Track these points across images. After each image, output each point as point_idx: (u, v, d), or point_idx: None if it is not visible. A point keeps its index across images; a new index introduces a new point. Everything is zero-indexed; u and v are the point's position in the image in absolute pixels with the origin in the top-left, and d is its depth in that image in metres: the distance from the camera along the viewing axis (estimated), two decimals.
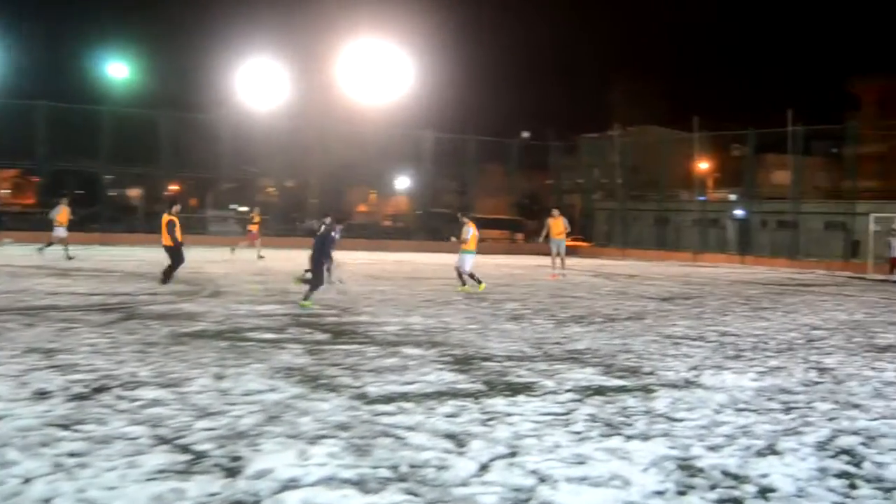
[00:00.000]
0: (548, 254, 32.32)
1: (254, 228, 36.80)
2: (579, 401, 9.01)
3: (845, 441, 7.70)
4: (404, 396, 8.95)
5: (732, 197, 60.32)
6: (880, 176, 66.24)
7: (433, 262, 38.41)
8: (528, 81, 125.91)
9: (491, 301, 20.18)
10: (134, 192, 64.41)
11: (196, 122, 53.07)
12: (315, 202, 56.97)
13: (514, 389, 9.51)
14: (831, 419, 8.57)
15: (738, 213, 54.05)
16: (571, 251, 55.54)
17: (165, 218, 21.63)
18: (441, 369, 10.63)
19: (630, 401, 9.10)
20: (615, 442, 7.41)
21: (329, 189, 60.01)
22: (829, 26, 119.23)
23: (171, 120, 50.82)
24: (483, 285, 22.68)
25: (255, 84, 58.24)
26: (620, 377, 10.50)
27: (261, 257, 34.87)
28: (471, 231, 22.94)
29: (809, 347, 13.87)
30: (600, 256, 51.33)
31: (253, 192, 60.19)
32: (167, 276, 21.52)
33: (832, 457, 7.20)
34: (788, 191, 51.35)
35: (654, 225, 57.71)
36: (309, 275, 18.02)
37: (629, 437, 7.56)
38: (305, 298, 17.57)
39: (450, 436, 7.44)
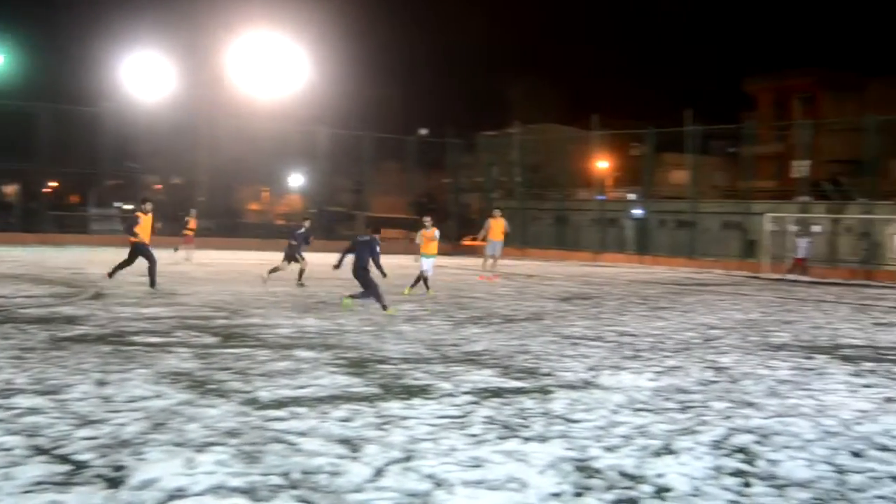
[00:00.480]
0: (444, 254, 32.47)
1: (190, 233, 36.36)
2: (476, 403, 9.08)
3: (740, 439, 7.94)
4: (297, 401, 8.89)
5: (631, 196, 61.44)
6: (776, 176, 68.45)
7: (328, 262, 38.17)
8: (426, 77, 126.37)
9: (387, 303, 20.15)
10: (9, 189, 62.41)
11: (77, 115, 51.62)
12: (203, 200, 56.07)
13: (410, 392, 9.53)
14: (727, 418, 8.82)
15: (637, 212, 55.10)
16: (469, 251, 55.89)
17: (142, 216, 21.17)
18: (335, 372, 10.59)
19: (528, 402, 9.21)
20: (512, 444, 7.49)
21: (219, 187, 59.12)
22: (728, 26, 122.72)
23: (51, 112, 49.32)
24: (408, 290, 22.75)
25: (141, 76, 57.03)
26: (518, 379, 10.62)
27: (187, 260, 34.37)
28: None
29: (706, 347, 14.25)
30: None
31: (138, 189, 58.88)
32: (152, 276, 20.92)
33: (727, 455, 7.42)
34: (686, 190, 52.60)
35: (554, 224, 58.44)
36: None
37: (526, 440, 7.66)
38: (384, 308, 17.61)
39: (344, 441, 7.43)
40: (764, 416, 8.99)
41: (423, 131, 64.86)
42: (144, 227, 20.98)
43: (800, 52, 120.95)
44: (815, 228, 41.08)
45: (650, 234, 52.64)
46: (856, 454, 7.59)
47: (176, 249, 36.98)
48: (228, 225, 56.34)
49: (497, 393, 9.67)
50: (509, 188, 63.02)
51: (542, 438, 7.72)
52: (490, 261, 30.81)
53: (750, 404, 9.55)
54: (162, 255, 27.03)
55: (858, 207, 43.98)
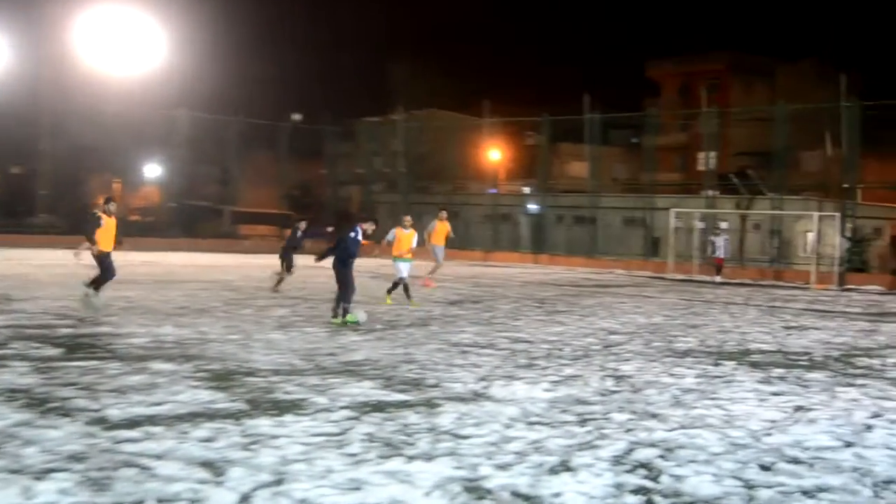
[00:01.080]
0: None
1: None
2: (356, 419, 9.03)
3: (643, 454, 8.07)
4: (152, 420, 8.71)
5: (526, 190, 62.16)
6: (681, 168, 70.17)
7: (189, 262, 37.62)
8: (300, 57, 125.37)
9: (256, 308, 19.96)
10: None
11: None
12: (46, 193, 54.59)
13: (281, 408, 9.43)
14: (628, 431, 8.96)
15: (532, 207, 55.77)
16: None
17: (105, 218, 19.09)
18: (196, 387, 10.41)
19: (412, 417, 9.20)
20: (395, 464, 7.47)
21: (64, 178, 57.57)
22: (632, 5, 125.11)
23: None
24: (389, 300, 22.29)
25: None
26: (402, 391, 10.61)
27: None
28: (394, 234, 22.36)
29: (606, 354, 14.48)
30: (381, 256, 51.65)
31: None
32: (97, 284, 19.03)
33: (629, 471, 7.52)
34: (586, 184, 53.44)
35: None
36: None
37: (411, 458, 7.64)
38: (344, 314, 17.22)
39: (205, 463, 7.30)
40: (668, 428, 9.16)
41: (298, 117, 64.37)
42: (107, 231, 19.04)
43: (707, 35, 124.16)
44: (723, 225, 42.21)
45: (546, 231, 53.31)
46: (765, 468, 7.78)
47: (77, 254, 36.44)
48: (75, 220, 54.90)
49: (378, 407, 9.63)
50: (393, 180, 63.06)
51: (428, 457, 7.71)
52: (432, 265, 29.94)
53: (653, 415, 9.73)
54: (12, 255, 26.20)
55: (768, 203, 45.35)
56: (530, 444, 8.25)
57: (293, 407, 9.51)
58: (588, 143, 51.68)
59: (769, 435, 8.96)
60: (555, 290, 29.73)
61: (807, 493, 7.10)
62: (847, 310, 25.65)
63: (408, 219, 22.48)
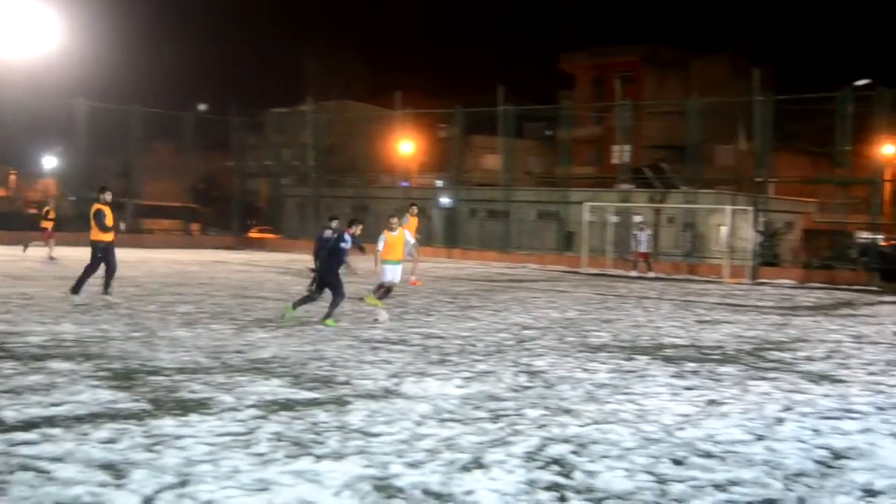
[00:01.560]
0: (227, 248, 32.03)
1: (48, 225, 35.48)
2: (263, 418, 8.99)
3: (556, 450, 8.16)
4: (50, 421, 8.57)
5: (439, 183, 62.22)
6: (595, 162, 70.96)
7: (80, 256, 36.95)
8: (205, 44, 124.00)
9: (160, 304, 19.73)
10: None
11: None
12: None
13: (186, 407, 9.35)
14: (541, 427, 9.06)
15: (445, 201, 55.86)
16: (258, 245, 55.34)
17: (94, 207, 19.35)
18: (97, 386, 10.27)
19: (322, 415, 9.19)
20: (304, 463, 7.46)
21: None
22: None
23: None
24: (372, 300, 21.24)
25: None
26: (311, 389, 10.59)
27: (52, 259, 32.79)
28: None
29: (520, 349, 14.60)
30: (291, 250, 51.40)
31: None
32: (79, 284, 19.14)
33: (542, 468, 7.61)
34: (499, 177, 53.66)
35: (353, 214, 58.54)
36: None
37: (320, 457, 7.63)
38: (327, 317, 17.13)
39: (107, 466, 7.21)
40: (581, 423, 9.28)
41: (203, 107, 63.52)
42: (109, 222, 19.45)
43: (622, 28, 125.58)
44: (637, 219, 42.75)
45: (460, 225, 53.45)
46: (677, 462, 7.93)
47: (25, 248, 37.02)
48: None
49: (287, 406, 9.60)
50: (302, 173, 62.69)
51: (338, 455, 7.71)
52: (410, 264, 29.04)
53: (566, 411, 9.84)
54: None
55: (681, 196, 46.06)
56: (442, 442, 8.30)
57: (198, 406, 9.44)
58: (502, 135, 51.84)
59: (682, 429, 9.13)
60: (468, 284, 29.86)
61: (719, 486, 7.26)
62: (759, 304, 26.19)
63: (394, 220, 20.75)
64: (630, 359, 13.90)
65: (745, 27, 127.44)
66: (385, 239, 20.10)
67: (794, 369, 13.39)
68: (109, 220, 19.38)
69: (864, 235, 43.87)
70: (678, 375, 12.46)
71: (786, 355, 14.92)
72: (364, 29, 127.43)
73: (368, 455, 7.76)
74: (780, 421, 9.68)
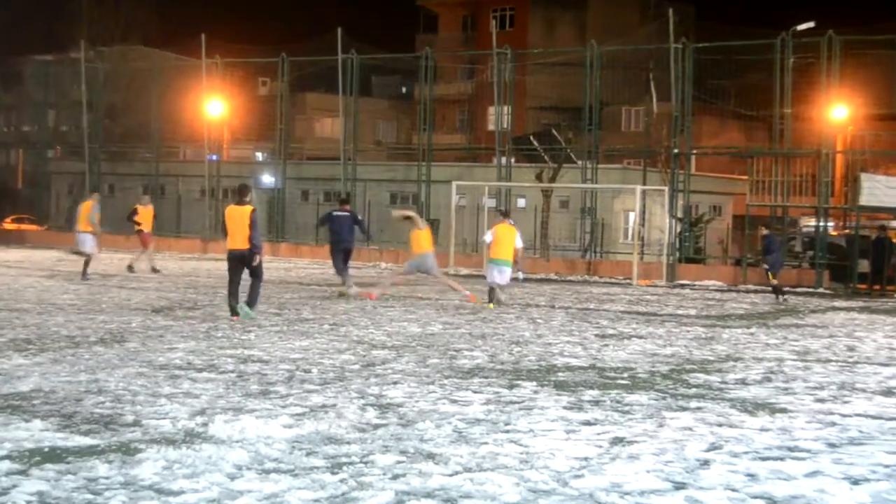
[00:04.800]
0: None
1: (146, 228, 35.86)
2: (21, 474, 8.79)
3: None
4: None
5: (259, 156, 61.83)
6: (466, 128, 71.41)
7: None
8: None
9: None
10: None
11: None
12: None
13: None
14: (396, 477, 9.04)
15: (268, 180, 55.56)
16: (15, 238, 54.07)
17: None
18: None
19: (102, 468, 9.02)
20: None
21: None
22: None
23: None
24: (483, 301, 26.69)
25: None
26: (87, 433, 10.40)
27: (156, 271, 34.20)
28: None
29: (368, 375, 14.56)
30: (58, 246, 50.48)
31: None
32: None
33: None
34: (339, 148, 53.39)
35: (147, 197, 57.77)
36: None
37: None
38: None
39: None
40: (449, 472, 9.28)
41: None
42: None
43: None
44: (521, 203, 43.15)
45: (288, 212, 53.14)
46: None
47: (132, 268, 35.98)
48: None
49: (54, 456, 9.41)
50: (74, 143, 61.57)
51: None
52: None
53: (430, 456, 9.83)
54: None
55: (577, 173, 46.55)
56: (265, 500, 8.22)
57: None
58: (343, 93, 51.70)
59: (579, 477, 9.20)
60: (299, 290, 29.74)
61: None
62: (678, 312, 26.68)
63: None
64: (512, 386, 13.97)
65: None
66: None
67: (723, 396, 13.64)
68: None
69: (809, 224, 45.08)
70: (574, 407, 12.56)
71: (713, 378, 15.19)
72: None
73: None
74: (705, 464, 9.83)
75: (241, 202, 21.84)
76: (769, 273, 31.83)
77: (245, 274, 21.83)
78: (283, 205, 53.43)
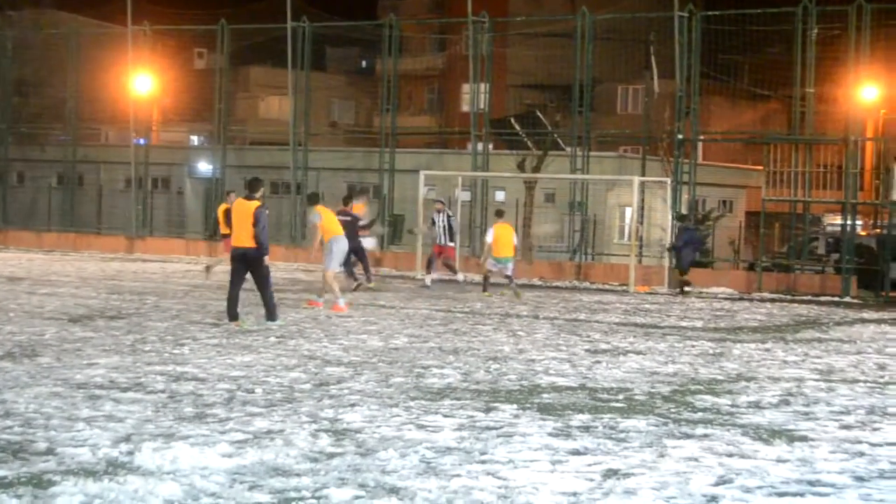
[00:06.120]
0: None
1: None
2: None
3: None
4: None
5: (195, 140, 61.57)
6: (436, 108, 71.37)
7: None
8: None
9: None
10: None
11: None
12: None
13: None
14: None
15: (204, 168, 55.36)
16: None
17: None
18: None
19: (10, 503, 8.99)
20: None
21: None
22: None
23: None
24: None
25: None
26: None
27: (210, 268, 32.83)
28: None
29: (321, 395, 14.56)
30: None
31: None
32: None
33: None
34: (288, 131, 53.26)
35: (60, 188, 57.56)
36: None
37: None
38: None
39: None
40: None
41: None
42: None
43: None
44: (500, 197, 43.12)
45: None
46: None
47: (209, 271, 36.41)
48: None
49: None
50: None
51: None
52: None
53: (393, 490, 9.84)
54: None
55: (566, 162, 46.50)
56: None
57: None
58: (293, 67, 51.58)
59: None
60: (241, 296, 29.69)
61: None
62: (682, 323, 26.74)
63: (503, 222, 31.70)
64: (489, 409, 13.99)
65: None
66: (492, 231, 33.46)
67: (733, 422, 13.67)
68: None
69: (834, 222, 45.10)
70: (562, 433, 12.58)
71: (722, 401, 15.23)
72: None
73: None
74: (713, 500, 9.86)
75: (249, 196, 23.13)
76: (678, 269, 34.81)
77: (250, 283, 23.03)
78: (221, 197, 53.16)
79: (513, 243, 33.80)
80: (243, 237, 22.62)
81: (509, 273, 33.74)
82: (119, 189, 56.34)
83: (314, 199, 29.12)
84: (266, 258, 22.82)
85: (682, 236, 34.29)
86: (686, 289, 35.57)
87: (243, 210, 22.77)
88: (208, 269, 35.44)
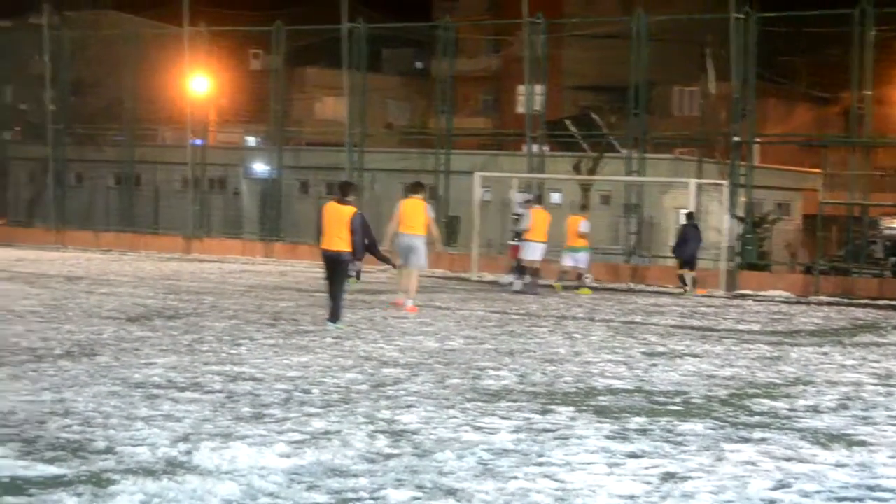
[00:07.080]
0: None
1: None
2: None
3: None
4: None
5: (251, 141, 61.70)
6: (491, 110, 71.30)
7: None
8: None
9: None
10: None
11: None
12: None
13: None
14: None
15: (261, 169, 55.47)
16: None
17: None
18: None
19: (70, 501, 9.06)
20: None
21: None
22: None
23: None
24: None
25: None
26: (52, 461, 10.43)
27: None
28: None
29: (377, 397, 14.57)
30: (19, 244, 50.62)
31: None
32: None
33: None
34: (343, 132, 53.29)
35: (117, 189, 57.79)
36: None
37: None
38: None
39: None
40: None
41: None
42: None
43: None
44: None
45: (285, 206, 53.07)
46: None
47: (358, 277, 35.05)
48: None
49: (14, 487, 9.45)
50: (36, 123, 61.63)
51: None
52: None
53: (450, 492, 9.84)
54: None
55: (621, 164, 46.42)
56: None
57: None
58: (349, 68, 51.62)
59: None
60: (297, 297, 29.76)
61: None
62: (739, 327, 26.59)
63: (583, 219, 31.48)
64: (546, 411, 13.97)
65: None
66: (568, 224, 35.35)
67: (791, 426, 13.60)
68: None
69: (892, 225, 44.83)
70: (619, 436, 12.55)
71: (779, 405, 15.16)
72: None
73: None
74: None
75: (342, 201, 23.29)
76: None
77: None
78: (278, 198, 53.32)
79: (577, 232, 34.96)
80: (334, 241, 22.80)
81: (583, 265, 35.04)
82: (176, 189, 56.54)
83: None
84: (356, 262, 23.62)
85: (688, 233, 34.56)
86: (680, 287, 35.66)
87: (338, 214, 22.90)
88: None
